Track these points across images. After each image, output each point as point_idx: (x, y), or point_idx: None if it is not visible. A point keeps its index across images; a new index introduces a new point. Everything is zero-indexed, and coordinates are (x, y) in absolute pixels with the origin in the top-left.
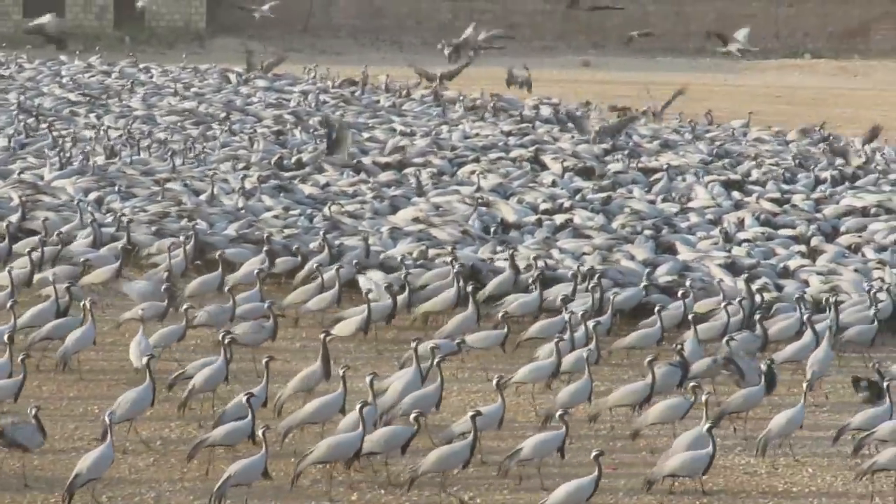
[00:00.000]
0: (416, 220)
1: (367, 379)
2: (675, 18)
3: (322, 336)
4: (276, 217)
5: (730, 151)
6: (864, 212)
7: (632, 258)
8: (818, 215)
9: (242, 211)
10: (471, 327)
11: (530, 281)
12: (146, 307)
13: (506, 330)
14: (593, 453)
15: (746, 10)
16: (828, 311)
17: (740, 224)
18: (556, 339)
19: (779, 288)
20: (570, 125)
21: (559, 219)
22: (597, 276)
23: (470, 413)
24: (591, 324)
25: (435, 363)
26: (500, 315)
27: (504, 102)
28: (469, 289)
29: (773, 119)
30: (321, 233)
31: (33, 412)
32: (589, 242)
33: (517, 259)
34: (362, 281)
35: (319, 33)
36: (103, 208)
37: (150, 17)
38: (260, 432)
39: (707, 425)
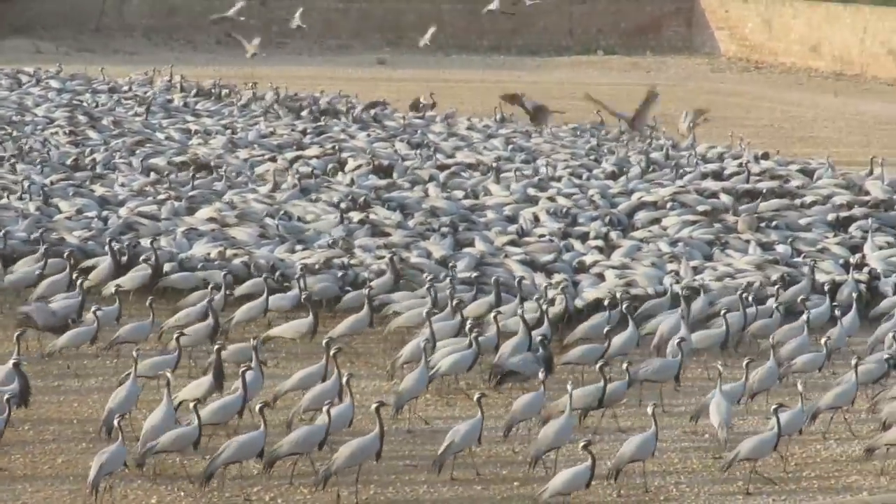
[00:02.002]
0: (211, 220)
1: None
2: (470, 17)
3: (216, 348)
4: (69, 219)
5: (524, 147)
6: (657, 205)
7: (429, 255)
8: (613, 210)
9: (37, 213)
10: (363, 329)
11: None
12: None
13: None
14: (582, 443)
15: (541, 8)
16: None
17: (536, 220)
18: (475, 334)
19: (575, 284)
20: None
21: (356, 216)
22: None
23: (374, 405)
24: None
25: (331, 355)
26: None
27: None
28: (366, 291)
29: (570, 117)
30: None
31: None
32: (386, 240)
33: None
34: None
35: (112, 33)
36: None
37: None
38: (116, 422)
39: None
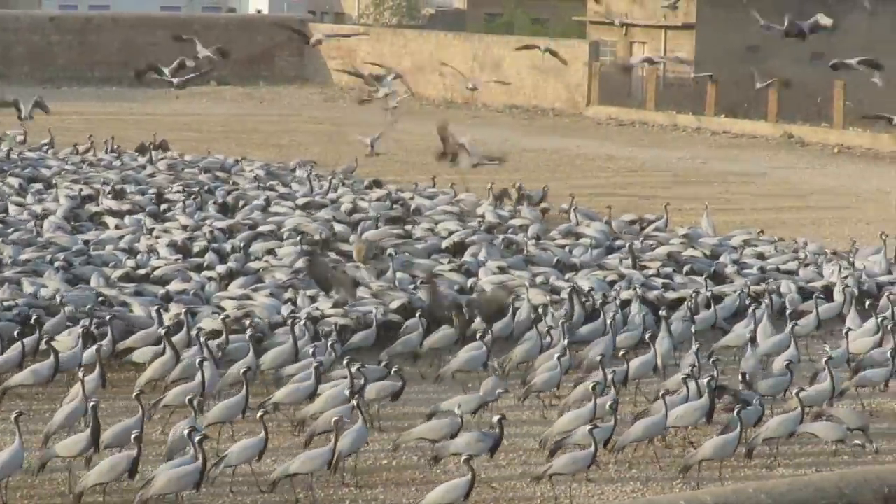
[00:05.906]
0: None
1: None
2: (80, 48)
3: (91, 405)
4: None
5: (139, 179)
6: (276, 235)
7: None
8: (234, 241)
9: None
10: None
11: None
12: None
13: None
14: (463, 457)
15: (151, 39)
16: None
17: (153, 252)
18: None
19: (194, 314)
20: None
21: None
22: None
23: (197, 438)
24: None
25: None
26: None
27: None
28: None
29: (183, 146)
30: None
31: None
32: None
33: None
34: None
35: None
36: None
37: None
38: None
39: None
